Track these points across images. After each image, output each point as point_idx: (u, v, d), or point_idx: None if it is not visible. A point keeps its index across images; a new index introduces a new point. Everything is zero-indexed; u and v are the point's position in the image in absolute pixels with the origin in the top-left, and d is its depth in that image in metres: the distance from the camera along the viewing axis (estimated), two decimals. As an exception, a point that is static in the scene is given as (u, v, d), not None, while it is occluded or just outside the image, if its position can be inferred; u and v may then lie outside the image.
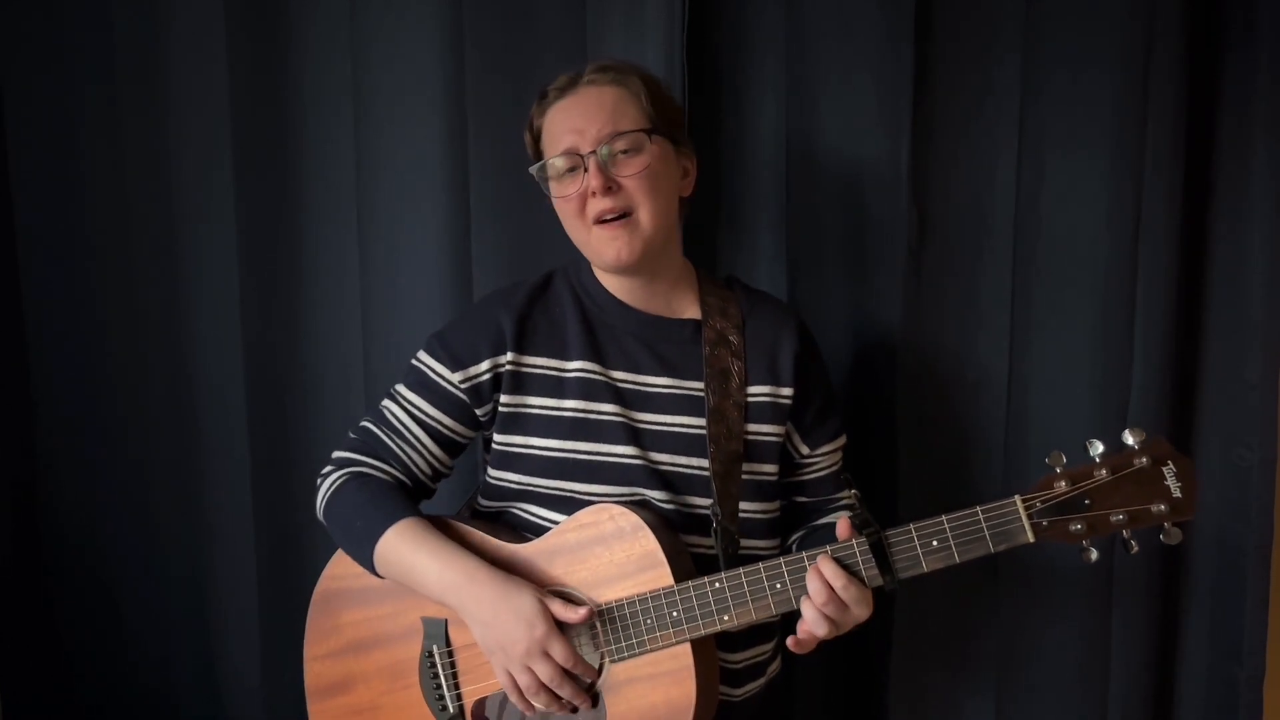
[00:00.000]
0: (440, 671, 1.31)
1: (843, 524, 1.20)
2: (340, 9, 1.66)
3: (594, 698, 1.23)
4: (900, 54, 1.51)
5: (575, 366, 1.32)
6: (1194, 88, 1.51)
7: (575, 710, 1.23)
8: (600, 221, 1.27)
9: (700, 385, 1.31)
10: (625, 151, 1.27)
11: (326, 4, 1.67)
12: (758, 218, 1.61)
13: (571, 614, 1.21)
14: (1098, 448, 1.12)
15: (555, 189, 1.30)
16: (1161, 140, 1.50)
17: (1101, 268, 1.55)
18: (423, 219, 1.66)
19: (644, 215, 1.27)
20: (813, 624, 1.18)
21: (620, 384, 1.32)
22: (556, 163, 1.28)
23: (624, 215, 1.27)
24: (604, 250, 1.28)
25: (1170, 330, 1.54)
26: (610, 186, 1.26)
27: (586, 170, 1.26)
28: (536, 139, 1.35)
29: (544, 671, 1.20)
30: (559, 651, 1.20)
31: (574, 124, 1.28)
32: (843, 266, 1.59)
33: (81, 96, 1.77)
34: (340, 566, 1.36)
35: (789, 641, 1.21)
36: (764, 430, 1.33)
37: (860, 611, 1.19)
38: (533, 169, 1.33)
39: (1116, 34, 1.50)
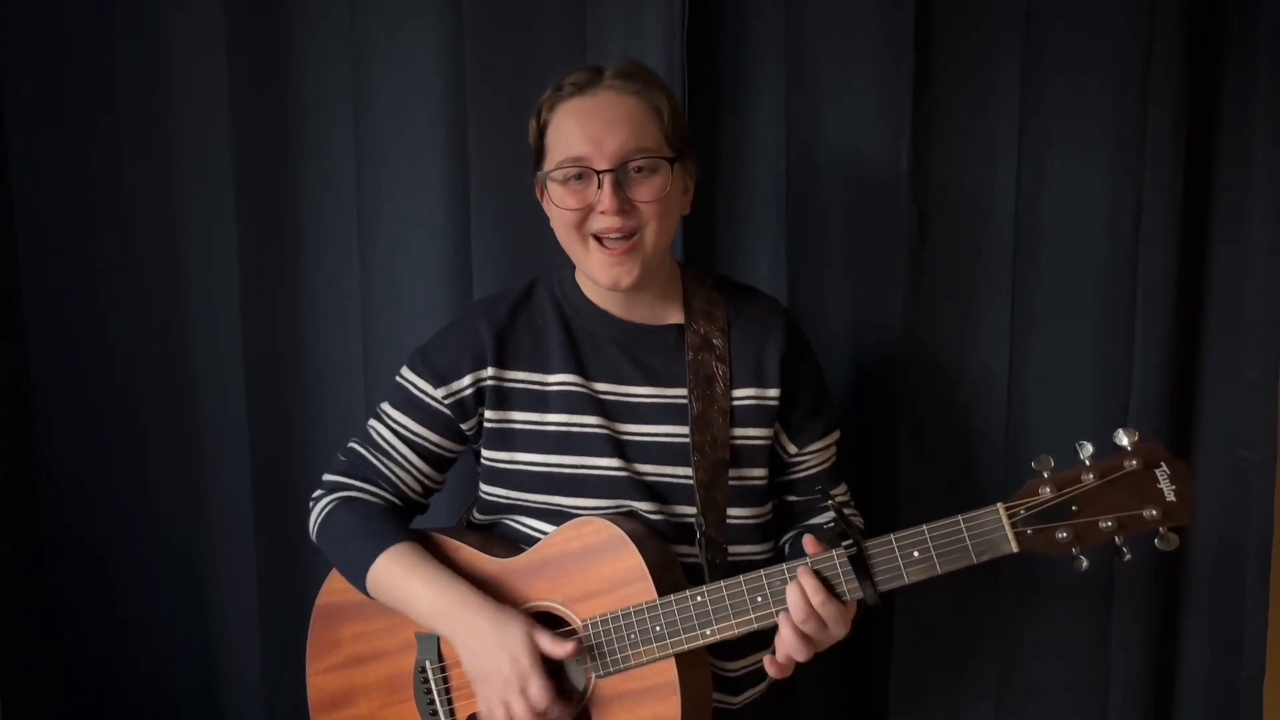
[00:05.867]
0: (433, 687, 1.30)
1: (808, 541, 1.17)
2: (340, 10, 1.66)
3: (583, 713, 1.22)
4: (901, 54, 1.51)
5: (557, 380, 1.30)
6: (1194, 88, 1.51)
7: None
8: (601, 240, 1.23)
9: (684, 392, 1.29)
10: (640, 170, 1.23)
11: (327, 5, 1.67)
12: (758, 218, 1.61)
13: (559, 648, 1.19)
14: (1087, 450, 1.08)
15: (558, 196, 1.24)
16: (1161, 141, 1.50)
17: (1101, 268, 1.55)
18: (423, 219, 1.66)
19: (650, 236, 1.24)
20: (790, 646, 1.15)
21: (603, 396, 1.30)
22: (565, 172, 1.22)
23: (629, 236, 1.23)
24: (602, 274, 1.24)
25: (1170, 330, 1.54)
26: (622, 209, 1.21)
27: (600, 187, 1.21)
28: (542, 132, 1.27)
29: (519, 708, 1.18)
30: (534, 692, 1.17)
31: (591, 132, 1.21)
32: (843, 267, 1.59)
33: (82, 97, 1.77)
34: (339, 581, 1.35)
35: (765, 662, 1.18)
36: (751, 434, 1.30)
37: (838, 630, 1.16)
38: (539, 174, 1.27)
39: (1117, 35, 1.50)
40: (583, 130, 1.23)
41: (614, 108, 1.24)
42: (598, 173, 1.21)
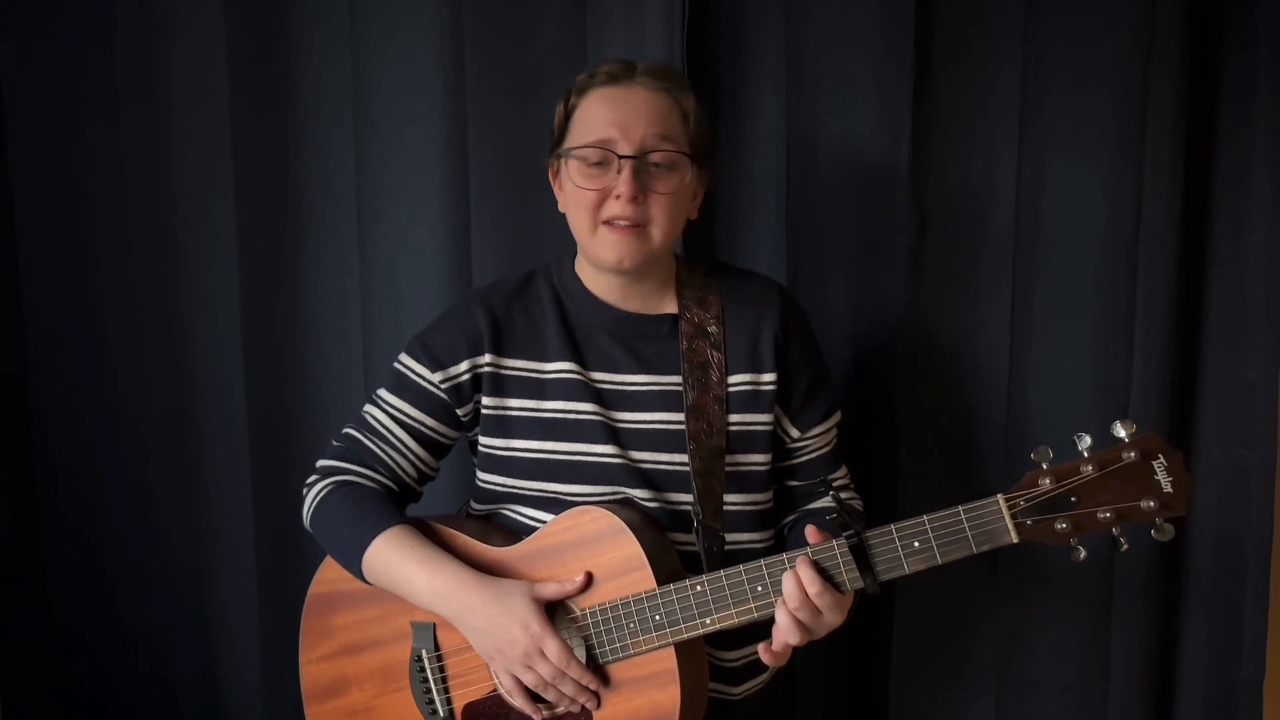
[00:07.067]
0: (429, 676, 1.30)
1: (810, 530, 1.18)
2: (340, 10, 1.66)
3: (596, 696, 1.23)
4: (900, 54, 1.51)
5: (554, 368, 1.32)
6: (1194, 87, 1.51)
7: (582, 710, 1.23)
8: (610, 224, 1.26)
9: (679, 380, 1.31)
10: (659, 165, 1.26)
11: (327, 5, 1.67)
12: (758, 217, 1.61)
13: (568, 586, 1.22)
14: (1085, 442, 1.09)
15: (578, 176, 1.27)
16: (1161, 141, 1.50)
17: (1101, 268, 1.55)
18: (423, 219, 1.66)
19: (657, 232, 1.27)
20: (785, 631, 1.16)
21: (599, 384, 1.32)
22: (587, 152, 1.26)
23: (638, 225, 1.26)
24: (606, 252, 1.27)
25: (1170, 330, 1.54)
26: (637, 196, 1.24)
27: (619, 172, 1.24)
28: (569, 114, 1.31)
29: (545, 670, 1.20)
30: (552, 649, 1.19)
31: (619, 118, 1.25)
32: (843, 266, 1.59)
33: (82, 97, 1.77)
34: (331, 570, 1.36)
35: (760, 649, 1.20)
36: (749, 420, 1.31)
37: (833, 618, 1.17)
38: (561, 150, 1.30)
39: (1117, 35, 1.50)
40: (611, 115, 1.26)
41: (644, 100, 1.27)
42: (619, 157, 1.24)
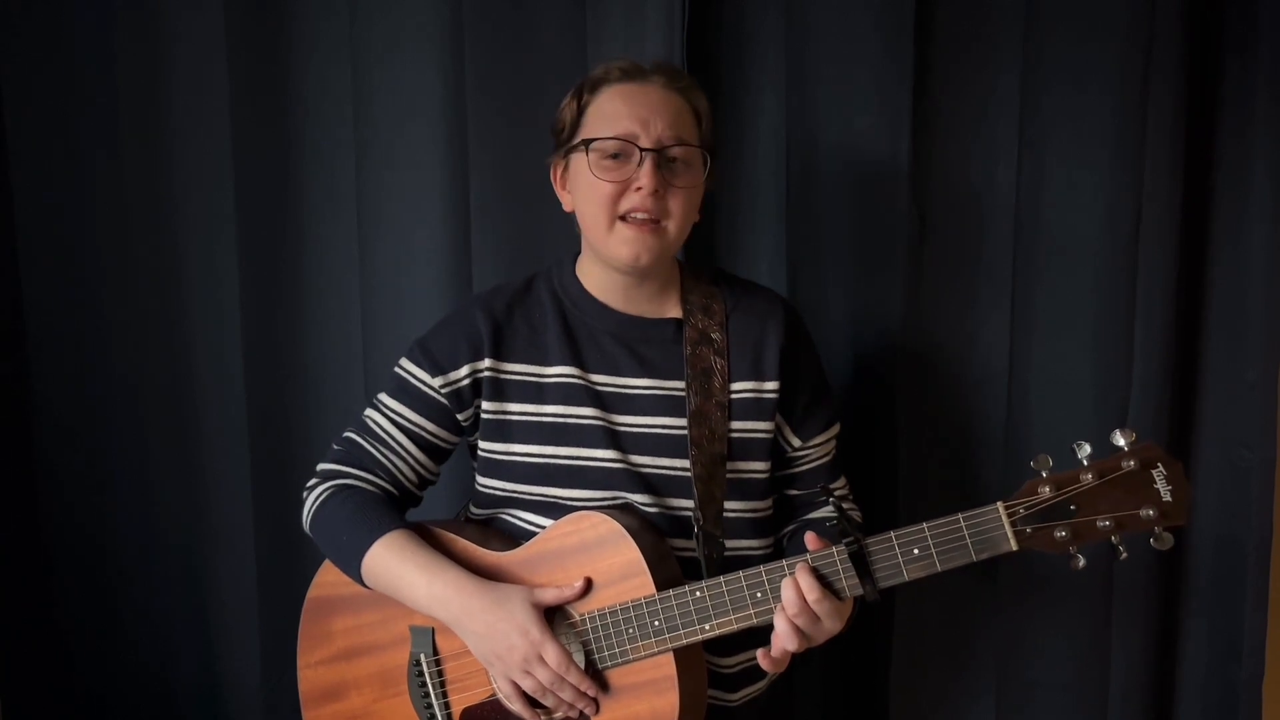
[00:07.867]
0: (428, 680, 1.30)
1: (810, 537, 1.18)
2: (340, 10, 1.66)
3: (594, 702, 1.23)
4: (900, 53, 1.51)
5: (555, 372, 1.32)
6: (1194, 87, 1.51)
7: (581, 716, 1.23)
8: (626, 219, 1.26)
9: (682, 385, 1.30)
10: (676, 159, 1.26)
11: (327, 5, 1.67)
12: (758, 217, 1.61)
13: (567, 592, 1.22)
14: (1085, 450, 1.10)
15: (596, 170, 1.26)
16: (1161, 140, 1.50)
17: (1101, 268, 1.55)
18: (423, 219, 1.66)
19: (672, 227, 1.27)
20: (784, 638, 1.16)
21: (600, 387, 1.31)
22: (607, 144, 1.26)
23: (655, 221, 1.26)
24: (621, 249, 1.26)
25: (1170, 330, 1.54)
26: (658, 189, 1.24)
27: (640, 165, 1.24)
28: (582, 110, 1.30)
29: (544, 675, 1.20)
30: (551, 655, 1.19)
31: (639, 113, 1.25)
32: (843, 267, 1.59)
33: (82, 97, 1.77)
34: (330, 574, 1.36)
35: (759, 655, 1.19)
36: (750, 428, 1.31)
37: (832, 625, 1.17)
38: (575, 143, 1.28)
39: (1117, 35, 1.50)
40: (631, 110, 1.26)
41: (661, 97, 1.28)
42: (641, 150, 1.24)
